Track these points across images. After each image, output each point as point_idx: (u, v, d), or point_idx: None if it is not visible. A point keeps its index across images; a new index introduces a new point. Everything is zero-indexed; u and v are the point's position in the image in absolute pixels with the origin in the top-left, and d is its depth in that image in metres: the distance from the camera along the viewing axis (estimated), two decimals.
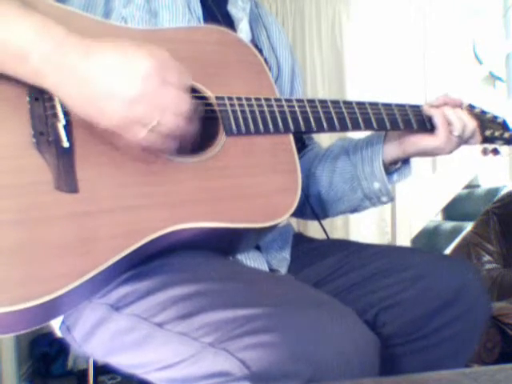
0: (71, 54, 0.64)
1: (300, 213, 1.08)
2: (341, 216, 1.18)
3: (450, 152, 0.95)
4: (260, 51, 0.96)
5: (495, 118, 1.02)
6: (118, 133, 0.67)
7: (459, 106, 0.97)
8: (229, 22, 0.98)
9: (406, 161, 1.00)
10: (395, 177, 1.01)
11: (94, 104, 0.65)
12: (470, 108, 1.00)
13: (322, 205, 1.05)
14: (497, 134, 1.00)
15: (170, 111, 0.67)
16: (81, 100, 0.65)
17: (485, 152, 1.02)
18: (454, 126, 0.92)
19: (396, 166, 0.99)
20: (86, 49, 0.65)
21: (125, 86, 0.65)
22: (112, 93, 0.64)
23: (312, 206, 1.05)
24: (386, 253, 0.90)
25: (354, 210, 1.04)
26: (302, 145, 1.00)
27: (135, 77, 0.65)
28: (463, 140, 0.94)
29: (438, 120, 0.92)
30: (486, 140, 0.99)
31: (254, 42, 1.02)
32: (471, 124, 0.94)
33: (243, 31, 0.99)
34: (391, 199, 0.99)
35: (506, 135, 1.01)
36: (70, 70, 0.64)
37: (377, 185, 0.96)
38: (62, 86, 0.65)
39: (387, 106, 0.92)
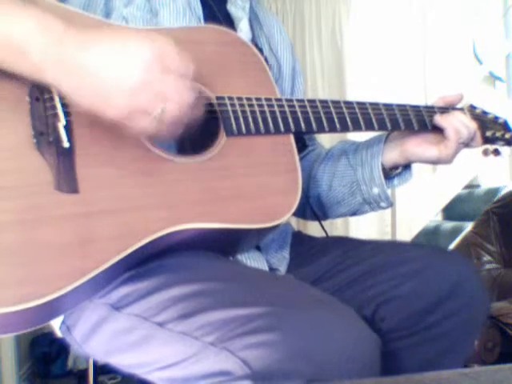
0: (70, 47, 0.64)
1: (301, 213, 1.08)
2: None
3: (452, 161, 0.95)
4: (260, 50, 0.96)
5: (496, 118, 1.02)
6: (123, 123, 0.67)
7: (459, 101, 0.98)
8: (229, 21, 0.98)
9: (406, 165, 0.99)
10: (396, 181, 1.01)
11: (96, 95, 0.65)
12: (472, 108, 1.00)
13: (321, 207, 1.05)
14: (498, 134, 1.00)
15: (173, 98, 0.67)
16: (82, 92, 0.65)
17: (486, 153, 1.02)
18: (461, 135, 0.92)
19: (397, 171, 0.99)
20: (84, 40, 0.65)
21: (125, 76, 0.65)
22: (113, 83, 0.64)
23: (312, 207, 1.05)
24: (384, 248, 0.90)
25: (354, 214, 1.04)
26: (302, 145, 1.00)
27: (136, 66, 0.65)
28: (465, 145, 0.95)
29: (450, 133, 0.92)
30: (487, 141, 0.99)
31: (255, 41, 1.02)
32: (473, 127, 0.94)
33: (243, 30, 0.99)
34: (390, 205, 0.99)
35: (507, 136, 1.01)
36: (70, 62, 0.64)
37: (376, 190, 0.96)
38: (63, 78, 0.65)
39: (388, 106, 0.92)
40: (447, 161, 0.93)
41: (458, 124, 0.92)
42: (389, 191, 0.98)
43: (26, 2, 0.65)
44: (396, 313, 0.82)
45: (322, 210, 1.06)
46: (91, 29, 0.67)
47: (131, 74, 0.65)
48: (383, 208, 1.00)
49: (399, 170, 0.99)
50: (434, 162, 0.95)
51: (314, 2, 3.50)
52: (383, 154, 0.96)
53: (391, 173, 0.99)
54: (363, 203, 0.99)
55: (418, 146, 0.94)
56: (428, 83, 3.35)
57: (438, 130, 0.94)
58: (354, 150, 1.01)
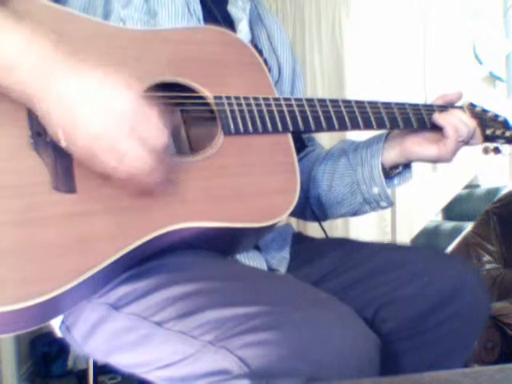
0: (56, 70, 0.64)
1: (301, 214, 1.08)
2: None
3: (452, 159, 0.95)
4: (260, 52, 0.96)
5: (496, 116, 1.02)
6: (84, 156, 0.65)
7: (459, 100, 0.98)
8: (229, 23, 0.98)
9: (406, 164, 1.00)
10: (396, 181, 1.01)
11: (62, 125, 0.64)
12: (471, 107, 1.00)
13: (322, 207, 1.05)
14: (498, 132, 1.00)
15: (127, 164, 0.65)
16: (52, 117, 0.64)
17: (486, 151, 1.02)
18: (460, 132, 0.92)
19: (397, 171, 0.99)
20: (71, 67, 0.64)
21: (93, 119, 0.63)
22: (81, 121, 0.63)
23: (312, 207, 1.05)
24: (385, 250, 0.90)
25: (354, 214, 1.04)
26: (301, 144, 1.00)
27: (105, 114, 0.63)
28: (465, 143, 0.95)
29: (449, 131, 0.92)
30: (487, 139, 0.99)
31: (254, 42, 1.02)
32: (472, 125, 0.94)
33: (242, 32, 0.99)
34: (391, 204, 0.99)
35: (508, 134, 1.01)
36: (53, 86, 0.63)
37: (376, 190, 0.96)
38: (42, 100, 0.64)
39: (386, 104, 0.92)
40: (447, 159, 0.93)
41: (456, 122, 0.92)
42: (389, 191, 0.98)
43: (18, 18, 0.64)
44: (397, 315, 0.82)
45: (322, 210, 1.06)
46: (82, 54, 0.65)
47: (98, 121, 0.63)
48: (384, 208, 1.00)
49: (399, 170, 0.99)
50: (434, 160, 0.95)
51: (314, 2, 3.50)
52: (383, 154, 0.96)
53: (391, 172, 0.99)
54: (363, 203, 0.99)
55: (418, 145, 0.94)
56: (428, 83, 3.35)
57: (437, 129, 0.94)
58: (353, 149, 1.01)
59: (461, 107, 0.98)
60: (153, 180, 0.68)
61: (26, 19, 0.65)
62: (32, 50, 0.63)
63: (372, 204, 0.99)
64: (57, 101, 0.63)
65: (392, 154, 0.96)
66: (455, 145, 0.92)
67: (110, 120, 0.64)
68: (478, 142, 0.97)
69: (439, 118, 0.93)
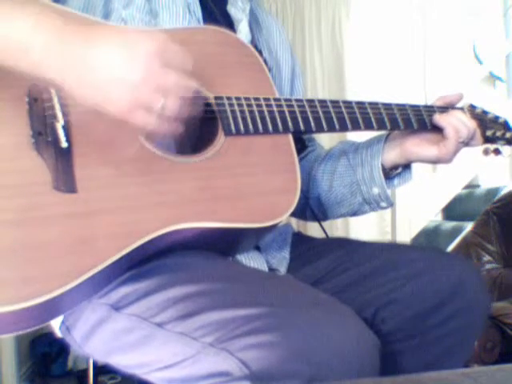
0: (71, 42, 0.64)
1: (301, 214, 1.08)
2: None
3: (452, 160, 0.95)
4: (260, 52, 0.97)
5: (497, 118, 1.02)
6: (125, 118, 0.66)
7: (459, 101, 0.98)
8: (228, 23, 0.98)
9: (406, 165, 1.00)
10: (396, 181, 1.01)
11: (98, 89, 0.65)
12: (472, 108, 1.00)
13: (321, 207, 1.05)
14: (498, 134, 1.00)
15: (174, 93, 0.66)
16: (85, 87, 0.65)
17: (486, 152, 1.02)
18: (460, 133, 0.92)
19: (397, 171, 0.99)
20: (86, 35, 0.65)
21: (127, 71, 0.64)
22: (115, 78, 0.64)
23: (312, 208, 1.05)
24: (385, 250, 0.90)
25: (354, 214, 1.04)
26: (301, 145, 1.00)
27: (136, 60, 0.65)
28: (465, 144, 0.95)
29: (449, 132, 0.92)
30: (487, 140, 0.99)
31: (254, 42, 1.02)
32: (472, 126, 0.94)
33: (242, 32, 0.99)
34: (390, 204, 0.99)
35: (508, 135, 1.01)
36: (72, 57, 0.64)
37: (376, 190, 0.97)
38: (64, 74, 0.64)
39: (387, 105, 0.92)
40: (447, 160, 0.94)
41: (457, 123, 0.92)
42: (389, 191, 0.98)
43: (25, 1, 0.65)
44: (396, 315, 0.82)
45: (321, 210, 1.06)
46: (90, 25, 0.67)
47: (132, 69, 0.64)
48: (383, 208, 1.00)
49: (399, 170, 0.99)
50: (434, 161, 0.95)
51: (314, 2, 3.50)
52: (383, 154, 0.96)
53: (391, 173, 0.99)
54: (363, 203, 1.00)
55: (418, 146, 0.94)
56: (428, 83, 3.35)
57: (437, 130, 0.94)
58: (353, 150, 1.01)
59: (461, 108, 0.99)
60: (197, 107, 0.71)
61: (33, 4, 0.65)
62: (43, 28, 0.64)
63: (372, 204, 0.99)
64: (84, 68, 0.64)
65: (392, 154, 0.96)
66: (455, 146, 0.92)
67: (142, 65, 0.64)
68: (479, 143, 0.97)
69: (440, 118, 0.93)
